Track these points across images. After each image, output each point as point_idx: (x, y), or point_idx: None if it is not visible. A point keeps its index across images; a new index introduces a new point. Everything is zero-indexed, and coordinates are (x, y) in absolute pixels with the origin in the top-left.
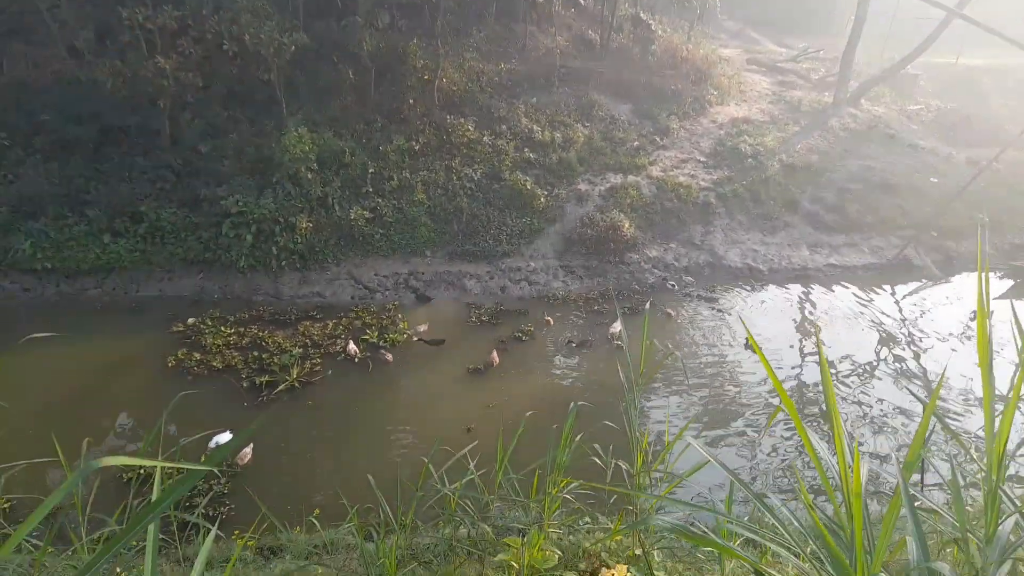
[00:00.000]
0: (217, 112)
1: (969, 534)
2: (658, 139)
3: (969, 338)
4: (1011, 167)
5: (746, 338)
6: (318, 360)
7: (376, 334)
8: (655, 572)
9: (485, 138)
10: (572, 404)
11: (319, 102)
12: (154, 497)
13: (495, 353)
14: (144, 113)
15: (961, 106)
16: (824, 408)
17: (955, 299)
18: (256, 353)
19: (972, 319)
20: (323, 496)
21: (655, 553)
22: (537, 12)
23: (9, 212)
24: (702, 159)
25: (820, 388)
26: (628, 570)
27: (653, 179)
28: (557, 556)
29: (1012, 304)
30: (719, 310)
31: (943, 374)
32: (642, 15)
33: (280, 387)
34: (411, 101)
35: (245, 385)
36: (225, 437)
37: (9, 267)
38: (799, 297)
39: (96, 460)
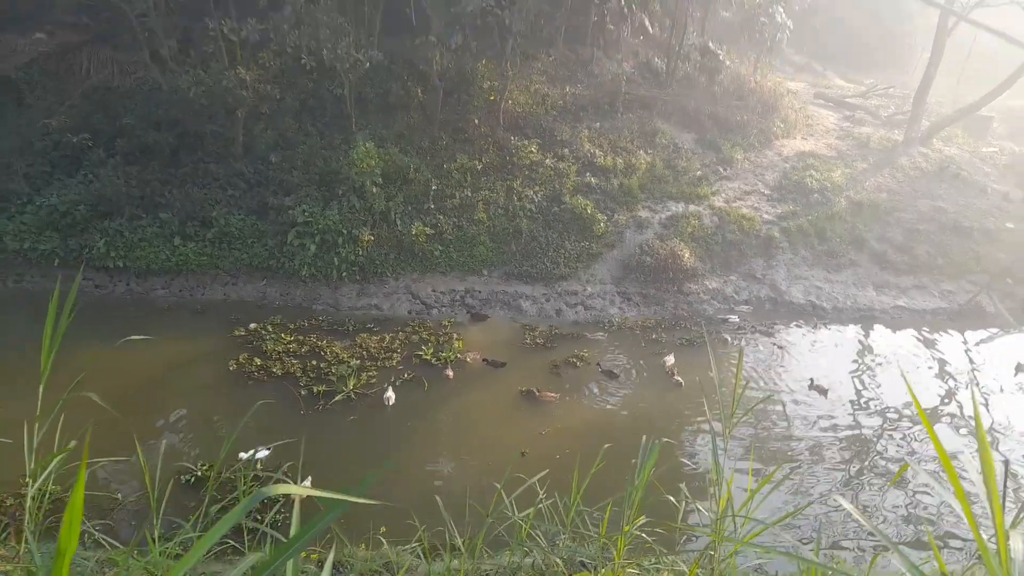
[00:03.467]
0: (289, 123)
1: None
2: (721, 169)
3: None
4: None
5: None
6: (374, 372)
7: (431, 351)
8: None
9: (547, 160)
10: (645, 439)
11: (387, 118)
12: (293, 531)
13: (556, 395)
14: (220, 121)
15: None
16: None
17: None
18: (314, 362)
19: (1015, 374)
20: (379, 510)
21: None
22: (605, 38)
23: (87, 211)
24: (766, 192)
25: (883, 434)
26: None
27: (715, 209)
28: None
29: None
30: (779, 346)
31: None
32: (710, 45)
33: (337, 397)
34: (476, 121)
35: (303, 393)
36: (263, 454)
37: (83, 264)
38: (863, 338)
39: (268, 488)
